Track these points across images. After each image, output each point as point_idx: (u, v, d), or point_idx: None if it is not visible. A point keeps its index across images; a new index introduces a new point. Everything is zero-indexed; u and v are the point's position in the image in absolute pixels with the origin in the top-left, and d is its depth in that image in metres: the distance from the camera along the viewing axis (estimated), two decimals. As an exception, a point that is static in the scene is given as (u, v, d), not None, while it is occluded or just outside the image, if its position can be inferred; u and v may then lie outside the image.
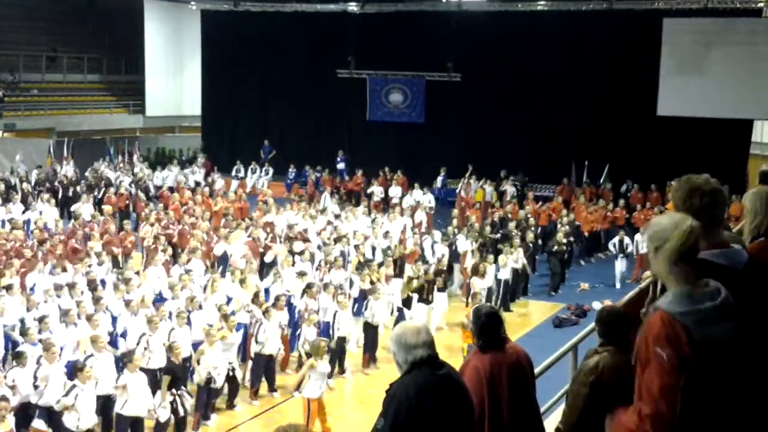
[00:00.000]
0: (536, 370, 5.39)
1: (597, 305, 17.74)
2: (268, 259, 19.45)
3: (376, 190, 29.85)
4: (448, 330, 17.71)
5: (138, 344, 13.19)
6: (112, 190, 26.39)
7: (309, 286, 16.44)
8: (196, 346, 13.80)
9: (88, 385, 11.53)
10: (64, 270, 16.93)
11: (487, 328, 5.03)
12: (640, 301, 7.99)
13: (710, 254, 3.32)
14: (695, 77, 26.96)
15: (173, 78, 40.71)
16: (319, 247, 20.26)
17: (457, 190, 28.94)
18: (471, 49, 30.52)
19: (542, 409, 5.59)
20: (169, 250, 19.60)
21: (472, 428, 4.32)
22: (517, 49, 30.11)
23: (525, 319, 19.10)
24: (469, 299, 17.18)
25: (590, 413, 5.18)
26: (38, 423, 11.67)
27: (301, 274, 17.38)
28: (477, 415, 4.49)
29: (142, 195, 26.85)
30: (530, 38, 30.05)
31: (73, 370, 11.78)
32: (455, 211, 26.08)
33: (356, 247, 20.00)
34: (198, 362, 13.26)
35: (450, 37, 30.56)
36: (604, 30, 29.12)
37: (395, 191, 29.47)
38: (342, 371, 15.81)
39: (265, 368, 14.74)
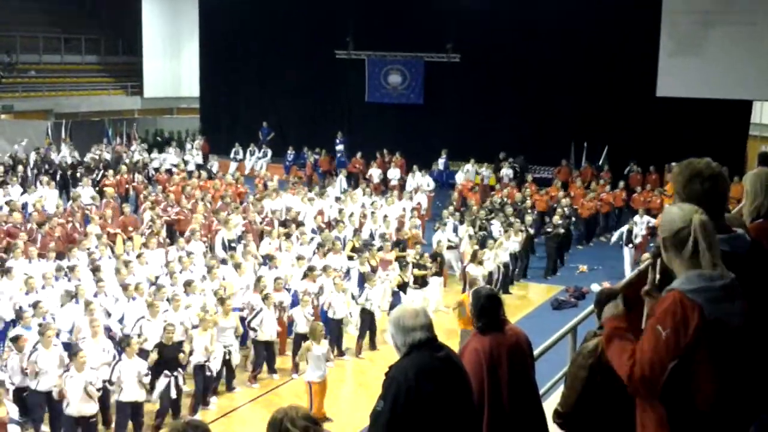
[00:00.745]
0: (535, 352, 5.40)
1: (595, 287, 17.77)
2: (264, 242, 19.43)
3: (375, 173, 29.80)
4: (445, 312, 17.78)
5: (133, 329, 13.25)
6: (110, 172, 26.33)
7: (310, 269, 16.47)
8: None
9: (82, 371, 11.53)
10: (60, 254, 16.91)
11: (487, 310, 5.03)
12: (639, 283, 8.02)
13: None
14: (695, 58, 26.85)
15: (171, 59, 40.60)
16: (314, 231, 20.28)
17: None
18: (470, 30, 30.36)
19: (541, 391, 5.61)
20: (163, 233, 19.55)
21: (471, 410, 4.33)
22: (517, 31, 29.98)
23: (524, 302, 19.12)
24: (467, 287, 17.13)
25: (589, 396, 5.20)
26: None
27: (299, 258, 17.40)
28: (476, 396, 4.50)
29: (140, 177, 26.81)
30: (529, 19, 29.88)
31: (69, 355, 11.82)
32: (454, 195, 26.10)
33: (354, 231, 19.99)
34: (191, 349, 13.27)
35: (449, 18, 30.40)
36: (603, 10, 28.95)
37: (394, 173, 29.42)
38: (341, 353, 15.84)
39: (265, 352, 14.79)
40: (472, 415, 4.34)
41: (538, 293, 19.95)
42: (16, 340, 12.05)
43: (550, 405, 5.54)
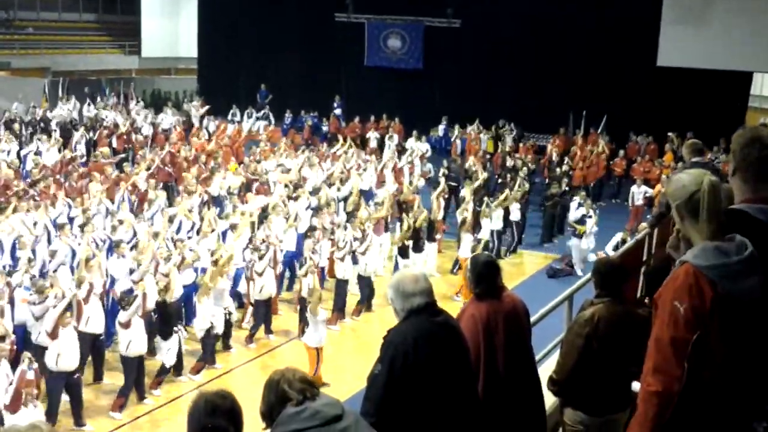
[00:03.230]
0: (532, 319, 5.43)
1: (592, 257, 17.81)
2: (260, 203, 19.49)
3: (372, 136, 29.74)
4: (440, 278, 17.92)
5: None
6: (105, 132, 26.25)
7: (312, 229, 16.56)
8: (188, 288, 14.20)
9: (70, 328, 11.71)
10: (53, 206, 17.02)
11: (485, 277, 5.04)
12: (637, 253, 8.09)
13: (750, 208, 3.27)
14: (696, 28, 26.69)
15: (169, 19, 40.31)
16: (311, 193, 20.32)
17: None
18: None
19: (537, 357, 5.65)
20: (161, 193, 19.54)
21: (468, 374, 4.36)
22: (518, -3, 29.81)
23: (519, 269, 19.18)
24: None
25: (585, 363, 5.25)
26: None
27: (295, 218, 17.52)
28: (473, 361, 4.53)
29: (139, 137, 26.72)
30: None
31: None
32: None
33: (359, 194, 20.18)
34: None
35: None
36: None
37: (392, 138, 29.34)
38: (341, 317, 15.96)
39: (264, 310, 14.93)
40: (469, 379, 4.37)
41: (533, 261, 20.01)
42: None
43: (545, 370, 5.60)
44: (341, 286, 15.93)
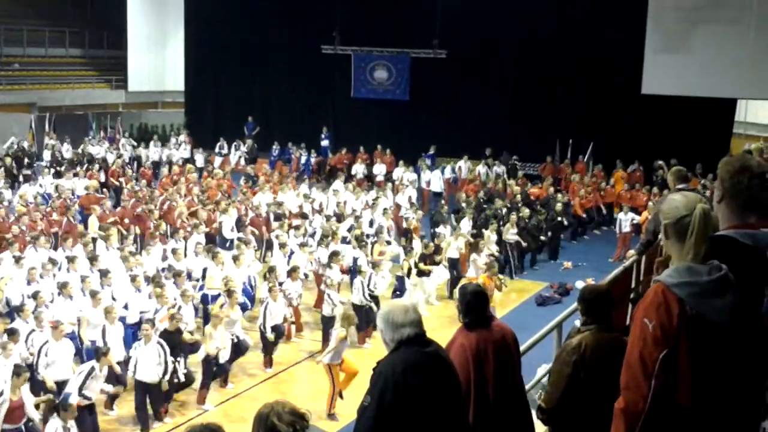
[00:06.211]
0: (521, 348, 5.44)
1: (580, 284, 17.84)
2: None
3: (358, 168, 29.82)
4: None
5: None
6: (96, 166, 26.28)
7: (335, 254, 17.13)
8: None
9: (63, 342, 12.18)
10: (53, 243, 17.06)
11: (474, 307, 5.06)
12: (624, 280, 8.11)
13: (737, 233, 3.33)
14: (680, 55, 26.89)
15: (156, 53, 40.40)
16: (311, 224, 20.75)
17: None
18: (457, 26, 30.40)
19: (527, 387, 5.65)
20: (164, 226, 19.63)
21: (459, 405, 4.36)
22: (503, 27, 30.00)
23: (508, 297, 19.15)
24: (484, 271, 17.15)
25: (573, 392, 5.24)
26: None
27: (303, 245, 18.20)
28: (463, 391, 4.54)
29: (129, 171, 26.82)
30: (516, 15, 29.91)
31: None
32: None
33: (356, 218, 21.16)
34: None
35: (435, 14, 30.41)
36: (589, 7, 29.10)
37: (380, 169, 29.44)
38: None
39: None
40: (459, 409, 4.37)
41: (523, 289, 20.00)
42: (12, 333, 12.13)
43: (535, 401, 5.59)
44: (328, 322, 15.93)
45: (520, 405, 5.10)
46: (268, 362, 14.92)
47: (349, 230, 20.05)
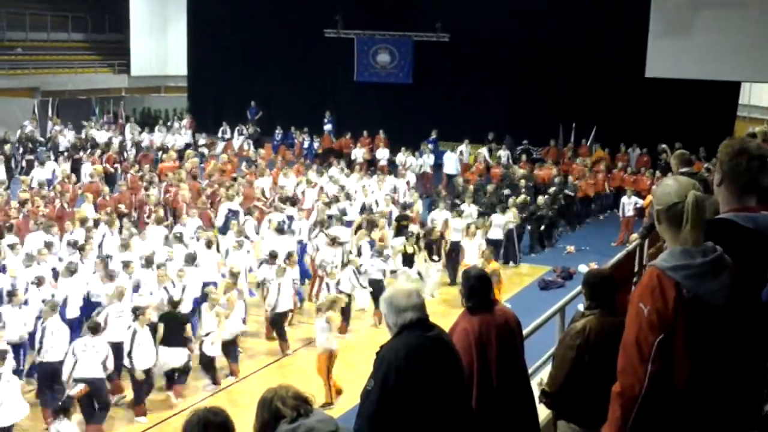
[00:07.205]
0: (524, 332, 5.44)
1: (583, 268, 17.82)
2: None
3: (358, 153, 29.71)
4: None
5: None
6: (98, 151, 26.21)
7: (333, 239, 17.07)
8: (195, 301, 14.58)
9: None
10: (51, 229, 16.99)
11: (477, 291, 5.06)
12: (627, 264, 8.10)
13: (738, 216, 3.32)
14: (683, 38, 26.79)
15: (158, 37, 40.29)
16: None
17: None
18: (460, 9, 30.26)
19: (530, 370, 5.66)
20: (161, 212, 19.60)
21: (461, 389, 4.36)
22: (506, 11, 29.84)
23: (511, 281, 19.17)
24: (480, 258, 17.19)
25: (576, 375, 5.25)
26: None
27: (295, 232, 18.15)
28: (466, 375, 4.54)
29: (130, 156, 26.75)
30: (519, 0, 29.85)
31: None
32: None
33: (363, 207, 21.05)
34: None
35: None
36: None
37: (382, 153, 29.33)
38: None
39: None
40: (462, 393, 4.37)
41: (526, 273, 20.02)
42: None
43: (538, 384, 5.60)
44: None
45: (524, 389, 5.11)
46: (286, 347, 15.00)
47: (344, 214, 19.91)
